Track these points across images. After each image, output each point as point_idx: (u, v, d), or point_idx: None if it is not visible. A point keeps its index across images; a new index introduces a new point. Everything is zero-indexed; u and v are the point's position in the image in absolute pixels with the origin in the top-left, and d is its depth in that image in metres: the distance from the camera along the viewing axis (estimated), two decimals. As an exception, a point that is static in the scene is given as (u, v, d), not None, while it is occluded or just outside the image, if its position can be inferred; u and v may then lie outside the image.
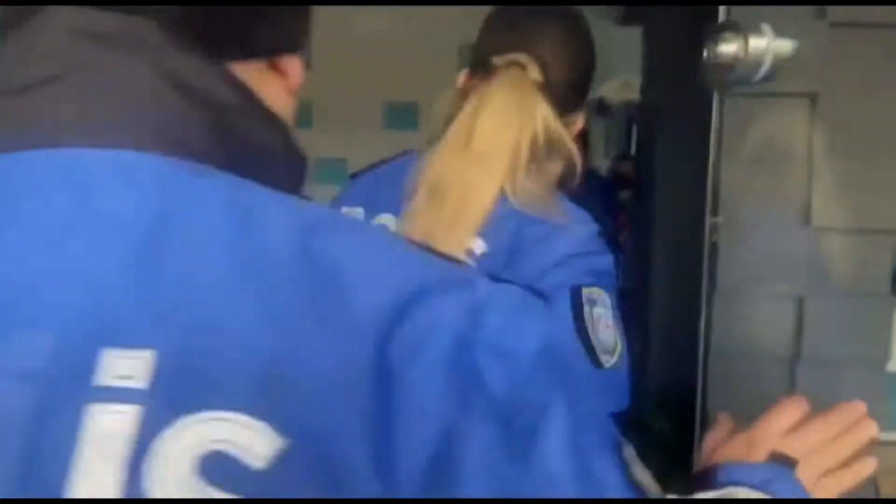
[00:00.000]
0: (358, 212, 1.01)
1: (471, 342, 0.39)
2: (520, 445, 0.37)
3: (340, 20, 3.99)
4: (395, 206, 1.02)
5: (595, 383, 0.80)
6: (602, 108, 5.55)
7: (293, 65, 0.50)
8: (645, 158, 2.89)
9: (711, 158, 1.99)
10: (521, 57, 0.92)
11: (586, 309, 0.82)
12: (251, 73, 0.47)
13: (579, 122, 0.99)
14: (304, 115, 4.34)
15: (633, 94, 5.58)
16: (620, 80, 5.76)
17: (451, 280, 0.41)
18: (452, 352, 0.38)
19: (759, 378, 1.99)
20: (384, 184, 1.05)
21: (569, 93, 0.95)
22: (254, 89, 0.46)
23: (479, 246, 0.90)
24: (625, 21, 5.22)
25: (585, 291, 0.85)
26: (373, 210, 1.03)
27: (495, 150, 0.86)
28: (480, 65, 0.97)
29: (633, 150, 5.54)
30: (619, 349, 0.88)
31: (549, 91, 0.91)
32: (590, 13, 4.78)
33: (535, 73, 0.91)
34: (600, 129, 5.67)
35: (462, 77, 1.00)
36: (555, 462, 0.38)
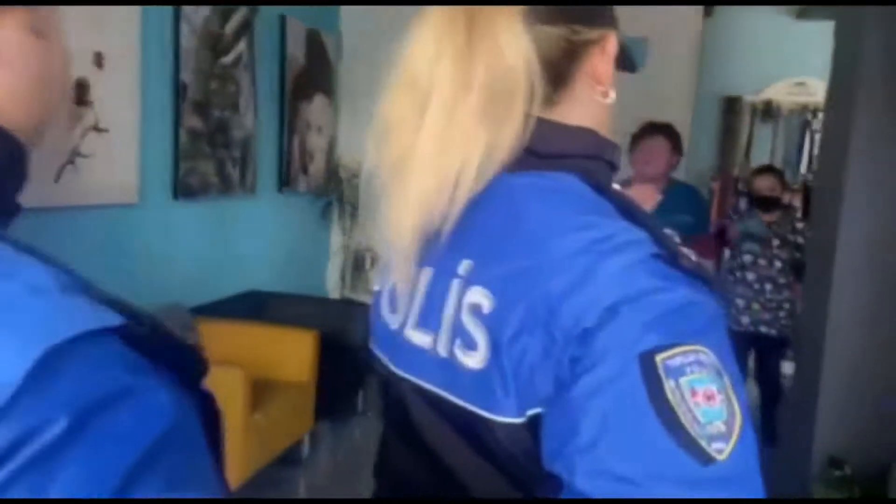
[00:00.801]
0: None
1: None
2: None
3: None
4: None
5: (708, 486, 0.50)
6: (769, 111, 5.00)
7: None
8: (826, 176, 2.45)
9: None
10: None
11: (668, 386, 0.51)
12: None
13: (608, 43, 0.61)
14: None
15: (809, 98, 5.03)
16: (792, 80, 5.17)
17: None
18: None
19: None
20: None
21: None
22: None
23: (486, 300, 0.59)
24: (808, 15, 4.64)
25: (661, 358, 0.51)
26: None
27: (442, 103, 0.56)
28: None
29: (804, 163, 4.96)
30: (737, 425, 0.51)
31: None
32: (765, 8, 4.21)
33: None
34: (766, 136, 5.13)
35: None
36: None
